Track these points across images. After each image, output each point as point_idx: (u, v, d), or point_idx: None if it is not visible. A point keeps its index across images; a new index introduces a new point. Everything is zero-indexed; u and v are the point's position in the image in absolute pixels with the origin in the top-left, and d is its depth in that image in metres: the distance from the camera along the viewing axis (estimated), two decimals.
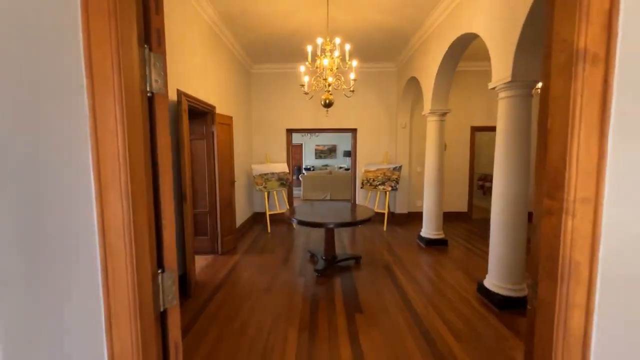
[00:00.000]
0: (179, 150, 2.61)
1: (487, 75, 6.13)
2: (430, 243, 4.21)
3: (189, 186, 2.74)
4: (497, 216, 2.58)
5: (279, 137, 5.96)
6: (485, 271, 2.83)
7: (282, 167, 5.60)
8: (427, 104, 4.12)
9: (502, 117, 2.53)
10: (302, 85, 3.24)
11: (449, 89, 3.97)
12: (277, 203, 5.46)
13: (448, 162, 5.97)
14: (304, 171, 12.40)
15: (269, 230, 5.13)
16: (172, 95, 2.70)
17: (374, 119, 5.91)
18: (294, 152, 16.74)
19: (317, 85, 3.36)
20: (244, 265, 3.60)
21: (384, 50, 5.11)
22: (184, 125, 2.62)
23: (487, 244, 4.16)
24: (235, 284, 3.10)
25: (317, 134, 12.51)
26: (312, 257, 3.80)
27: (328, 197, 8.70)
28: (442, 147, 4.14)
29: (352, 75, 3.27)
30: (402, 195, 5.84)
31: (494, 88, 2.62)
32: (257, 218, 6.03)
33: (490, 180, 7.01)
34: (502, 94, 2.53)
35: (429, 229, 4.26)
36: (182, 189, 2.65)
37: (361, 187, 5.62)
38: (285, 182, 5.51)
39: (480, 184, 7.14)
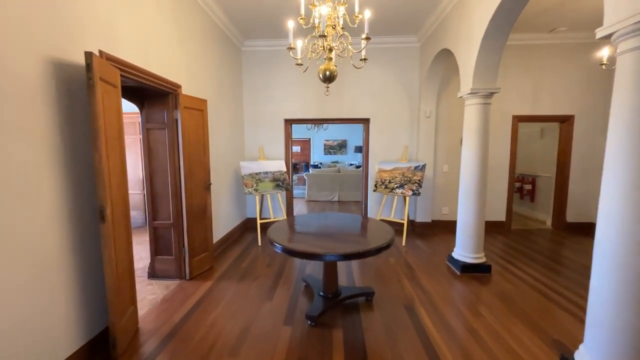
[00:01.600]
0: (95, 141, 1.67)
1: (530, 50, 5.02)
2: (466, 269, 3.15)
3: (110, 197, 1.79)
4: (614, 247, 1.51)
5: (275, 128, 4.98)
6: (574, 332, 1.77)
7: (278, 165, 4.63)
8: (467, 82, 3.04)
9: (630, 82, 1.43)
10: (291, 48, 2.22)
11: (498, 60, 2.87)
12: (270, 209, 4.50)
13: None
14: (311, 168, 11.43)
15: (260, 243, 4.18)
16: (77, 56, 1.76)
17: (390, 106, 4.83)
18: (302, 148, 15.93)
19: (314, 50, 2.34)
20: (213, 299, 2.66)
21: (404, 20, 4.02)
22: (98, 103, 1.67)
23: (549, 274, 3.06)
24: (192, 334, 2.16)
25: (325, 127, 11.51)
26: (307, 288, 2.83)
27: (336, 198, 7.70)
28: (486, 140, 3.05)
29: (365, 30, 2.23)
30: (425, 200, 4.77)
31: (609, 35, 1.53)
32: (250, 225, 5.10)
33: (529, 182, 5.83)
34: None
35: (465, 250, 3.20)
36: (99, 201, 1.71)
37: (374, 190, 4.59)
38: (281, 183, 4.54)
39: (518, 187, 5.96)
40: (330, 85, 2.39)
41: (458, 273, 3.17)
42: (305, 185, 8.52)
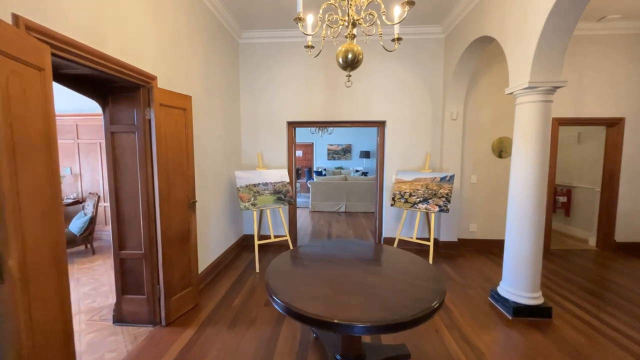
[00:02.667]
0: None
1: (572, 42, 4.16)
2: (520, 312, 2.46)
3: (21, 240, 1.14)
4: None
5: (277, 132, 4.34)
6: None
7: (280, 174, 3.97)
8: (521, 74, 2.38)
9: None
10: (299, 19, 1.57)
11: (567, 44, 2.22)
12: (270, 225, 3.83)
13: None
14: (314, 174, 10.77)
15: (258, 269, 3.50)
16: None
17: (410, 107, 4.19)
18: (304, 153, 15.34)
19: (332, 23, 1.70)
20: (194, 358, 1.98)
21: (426, 6, 3.40)
22: None
23: (620, 315, 2.44)
24: None
25: (330, 130, 10.90)
26: (317, 340, 2.16)
27: (342, 209, 7.03)
28: (546, 149, 2.39)
29: (396, 11, 1.60)
30: (450, 216, 4.10)
31: None
32: (248, 243, 4.43)
33: (564, 194, 5.15)
34: None
35: (516, 287, 2.51)
36: None
37: (392, 204, 3.92)
38: (284, 196, 3.88)
39: (556, 200, 5.28)
40: (352, 73, 1.73)
41: (509, 317, 2.48)
42: (308, 193, 7.88)
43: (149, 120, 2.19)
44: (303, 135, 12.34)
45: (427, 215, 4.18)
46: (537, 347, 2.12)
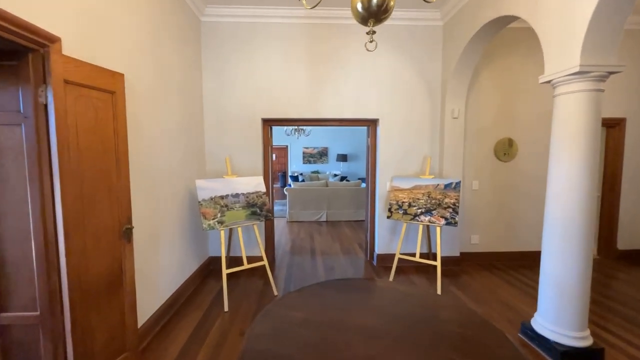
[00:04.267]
0: None
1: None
2: (568, 357, 1.95)
3: None
4: None
5: (249, 131, 3.58)
6: None
7: (254, 183, 3.23)
8: (564, 58, 1.89)
9: None
10: None
11: (626, 18, 1.76)
12: (242, 245, 3.06)
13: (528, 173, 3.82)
14: (290, 180, 10.04)
15: (227, 307, 2.71)
16: None
17: (405, 103, 3.65)
18: (278, 156, 14.58)
19: None
20: None
21: None
22: None
23: None
24: None
25: (307, 132, 10.24)
26: None
27: (323, 218, 6.38)
28: (597, 150, 1.91)
29: None
30: (453, 227, 3.60)
31: None
32: (215, 267, 3.61)
33: None
34: None
35: (561, 325, 2.00)
36: None
37: (388, 217, 3.34)
38: (260, 210, 3.14)
39: None
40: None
41: None
42: (284, 200, 7.16)
43: (45, 106, 1.37)
44: (277, 136, 11.57)
45: (428, 228, 3.65)
46: None
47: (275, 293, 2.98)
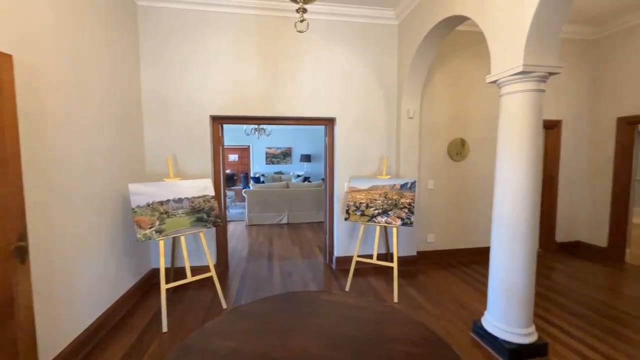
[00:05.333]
0: None
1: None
2: (516, 355, 1.97)
3: None
4: None
5: (196, 129, 3.27)
6: None
7: (201, 186, 2.93)
8: (509, 58, 1.90)
9: None
10: None
11: (563, 22, 1.80)
12: (186, 255, 2.75)
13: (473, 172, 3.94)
14: (251, 181, 9.66)
15: (166, 327, 2.40)
16: None
17: (363, 102, 3.58)
18: (240, 157, 14.06)
19: None
20: None
21: None
22: None
23: (608, 338, 2.09)
24: None
25: (268, 132, 9.94)
26: None
27: (285, 220, 6.17)
28: (540, 148, 1.95)
29: None
30: (409, 228, 3.60)
31: None
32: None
33: None
34: None
35: (509, 323, 2.02)
36: None
37: (346, 218, 3.23)
38: (207, 215, 2.85)
39: None
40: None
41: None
42: (244, 202, 6.83)
43: None
44: (238, 136, 11.14)
45: (385, 229, 3.62)
46: None
47: (224, 306, 2.72)
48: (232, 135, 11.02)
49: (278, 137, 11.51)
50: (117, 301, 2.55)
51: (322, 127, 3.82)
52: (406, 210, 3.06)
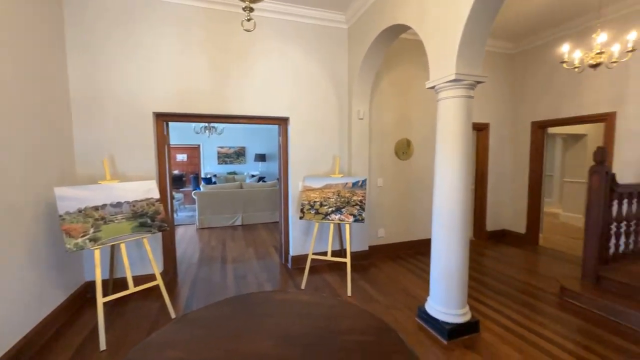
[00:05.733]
0: None
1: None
2: (455, 333, 2.20)
3: None
4: None
5: (138, 126, 3.01)
6: None
7: (143, 189, 2.71)
8: (444, 67, 2.11)
9: None
10: None
11: (487, 37, 2.05)
12: (127, 267, 2.53)
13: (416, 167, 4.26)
14: (202, 182, 9.18)
15: (104, 345, 2.18)
16: None
17: (315, 103, 3.64)
18: (190, 156, 13.25)
19: None
20: None
21: None
22: None
23: (525, 311, 2.44)
24: None
25: (220, 130, 9.53)
26: None
27: (238, 222, 5.99)
28: (470, 149, 2.19)
29: None
30: (360, 224, 3.76)
31: None
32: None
33: None
34: None
35: (449, 306, 2.25)
36: None
37: (301, 217, 3.27)
38: (151, 220, 2.65)
39: None
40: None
41: (445, 342, 2.18)
42: (195, 205, 6.48)
43: None
44: (186, 135, 10.49)
45: (339, 226, 3.74)
46: None
47: (173, 315, 2.57)
48: (180, 133, 10.35)
49: (231, 136, 11.09)
50: (42, 322, 2.24)
51: (276, 126, 3.78)
52: (358, 207, 3.20)
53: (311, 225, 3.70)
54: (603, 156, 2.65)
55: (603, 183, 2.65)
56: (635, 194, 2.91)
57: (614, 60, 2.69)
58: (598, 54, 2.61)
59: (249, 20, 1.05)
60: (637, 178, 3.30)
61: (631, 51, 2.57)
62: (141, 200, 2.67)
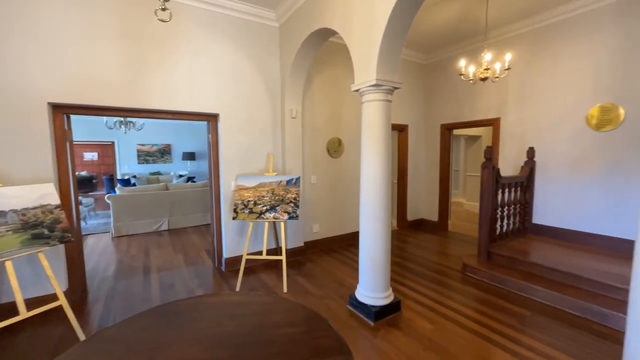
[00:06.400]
0: None
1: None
2: (380, 315, 2.43)
3: None
4: None
5: (26, 120, 2.51)
6: None
7: (36, 194, 2.28)
8: (367, 72, 2.30)
9: None
10: None
11: (402, 47, 2.30)
12: (16, 289, 2.11)
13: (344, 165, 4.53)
14: (118, 184, 8.13)
15: None
16: None
17: (248, 100, 3.56)
18: (102, 155, 11.54)
19: None
20: None
21: None
22: None
23: (440, 288, 2.56)
24: None
25: (139, 125, 8.54)
26: None
27: (164, 227, 5.49)
28: (390, 148, 2.44)
29: None
30: (296, 221, 3.84)
31: None
32: None
33: None
34: None
35: (375, 290, 2.47)
36: None
37: (234, 217, 3.17)
38: (50, 231, 2.25)
39: None
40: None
41: (372, 323, 2.40)
42: (109, 211, 5.71)
43: None
44: (97, 130, 9.12)
45: (275, 224, 3.74)
46: (404, 350, 2.09)
47: (82, 337, 2.24)
48: (89, 128, 8.93)
49: (153, 132, 10.03)
50: None
51: (205, 123, 3.57)
52: (292, 205, 3.25)
53: (245, 225, 3.62)
54: (491, 154, 3.24)
55: (491, 176, 3.24)
56: (513, 184, 3.63)
57: (496, 75, 3.30)
58: (485, 69, 3.17)
59: (163, 9, 0.98)
60: (515, 171, 4.11)
61: (508, 69, 3.19)
62: (34, 208, 2.25)
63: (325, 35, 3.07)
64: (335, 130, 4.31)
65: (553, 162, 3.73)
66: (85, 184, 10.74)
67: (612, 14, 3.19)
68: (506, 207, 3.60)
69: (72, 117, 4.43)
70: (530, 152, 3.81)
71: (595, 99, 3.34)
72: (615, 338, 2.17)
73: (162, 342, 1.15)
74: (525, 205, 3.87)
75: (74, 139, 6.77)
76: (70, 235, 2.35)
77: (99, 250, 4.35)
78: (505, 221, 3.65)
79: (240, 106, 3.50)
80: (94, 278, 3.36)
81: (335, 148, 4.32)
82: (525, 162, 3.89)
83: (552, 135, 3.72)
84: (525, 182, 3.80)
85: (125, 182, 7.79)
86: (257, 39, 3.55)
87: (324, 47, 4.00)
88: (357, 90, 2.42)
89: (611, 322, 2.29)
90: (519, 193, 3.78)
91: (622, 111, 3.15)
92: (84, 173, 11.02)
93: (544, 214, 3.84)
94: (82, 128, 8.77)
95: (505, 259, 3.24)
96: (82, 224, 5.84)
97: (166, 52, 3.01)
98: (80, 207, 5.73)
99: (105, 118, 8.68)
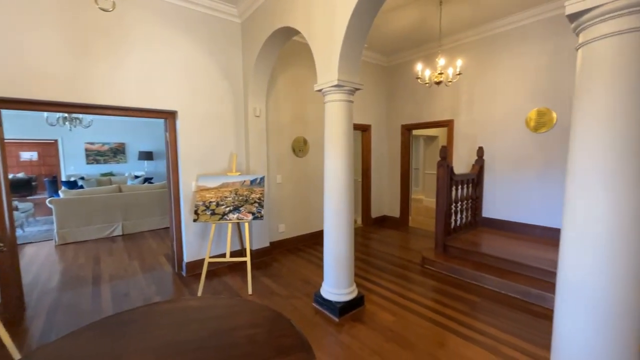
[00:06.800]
0: None
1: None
2: (344, 310, 2.49)
3: None
4: None
5: None
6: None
7: None
8: (329, 72, 2.34)
9: None
10: None
11: (362, 49, 2.37)
12: None
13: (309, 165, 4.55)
14: (63, 187, 7.39)
15: None
16: None
17: (208, 97, 3.43)
18: (42, 155, 10.40)
19: None
20: None
21: None
22: None
23: (404, 283, 2.48)
24: None
25: (87, 123, 7.83)
26: None
27: (118, 232, 5.10)
28: (352, 147, 2.50)
29: None
30: (261, 221, 3.78)
31: None
32: None
33: None
34: None
35: (339, 287, 2.52)
36: None
37: (195, 220, 3.04)
38: None
39: None
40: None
41: (336, 319, 2.44)
42: (51, 216, 5.18)
43: None
44: (37, 127, 8.21)
45: (239, 225, 3.66)
46: (367, 342, 2.16)
47: (17, 357, 2.00)
48: (26, 125, 7.99)
49: (104, 129, 9.24)
50: None
51: (162, 120, 3.38)
52: (257, 205, 3.20)
53: (207, 227, 3.49)
54: (445, 153, 3.46)
55: (446, 174, 3.47)
56: (466, 181, 3.91)
57: (449, 80, 3.53)
58: (440, 74, 3.37)
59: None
60: (467, 169, 4.43)
61: (459, 74, 3.43)
62: None
63: (288, 34, 3.05)
64: (301, 129, 4.32)
65: (499, 160, 4.08)
66: (23, 187, 9.64)
67: (543, 30, 3.57)
68: (460, 202, 3.87)
69: (4, 112, 3.93)
70: (480, 151, 4.14)
71: (533, 104, 3.72)
72: (551, 317, 2.44)
73: (111, 355, 1.07)
74: (476, 200, 4.19)
75: (6, 137, 6.05)
76: (3, 244, 2.09)
77: (39, 261, 3.92)
78: (459, 215, 3.92)
79: (201, 103, 3.36)
80: (32, 291, 3.02)
81: (300, 147, 4.32)
82: (476, 161, 4.21)
83: (498, 136, 4.08)
84: (476, 179, 4.12)
85: (71, 184, 7.09)
86: (218, 35, 3.43)
87: (288, 47, 3.98)
88: (319, 90, 2.45)
89: (547, 302, 2.57)
90: (470, 189, 4.09)
91: (554, 115, 3.55)
92: (21, 175, 9.86)
93: (492, 208, 4.19)
94: (17, 124, 7.83)
95: (459, 250, 3.48)
96: (18, 231, 5.21)
97: (118, 45, 2.79)
98: (16, 212, 5.11)
99: (45, 114, 7.83)
